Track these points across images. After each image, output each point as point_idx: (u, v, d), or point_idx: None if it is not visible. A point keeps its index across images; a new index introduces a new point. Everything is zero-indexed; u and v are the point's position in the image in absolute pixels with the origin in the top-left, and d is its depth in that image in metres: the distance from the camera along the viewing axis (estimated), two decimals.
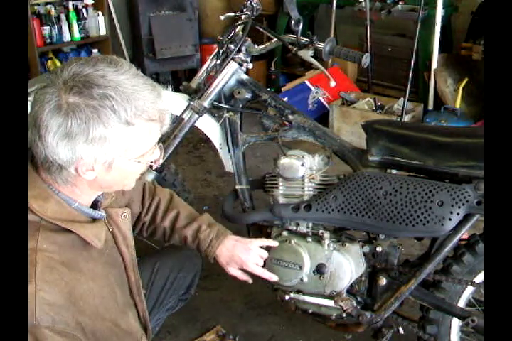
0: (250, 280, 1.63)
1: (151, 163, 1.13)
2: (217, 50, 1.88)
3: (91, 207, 1.19)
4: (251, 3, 1.90)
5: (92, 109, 0.96)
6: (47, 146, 0.99)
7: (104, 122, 0.97)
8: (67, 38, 4.31)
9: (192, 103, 1.83)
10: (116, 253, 1.27)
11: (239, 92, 1.85)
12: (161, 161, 1.20)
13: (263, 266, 1.67)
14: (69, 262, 1.08)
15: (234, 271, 1.59)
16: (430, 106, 3.85)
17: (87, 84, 0.97)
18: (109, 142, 1.00)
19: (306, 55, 1.77)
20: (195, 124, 1.88)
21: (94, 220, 1.17)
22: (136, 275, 1.36)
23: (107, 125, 0.98)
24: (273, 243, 1.67)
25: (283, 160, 1.71)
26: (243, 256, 1.56)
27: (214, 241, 1.56)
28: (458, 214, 1.49)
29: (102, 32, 4.48)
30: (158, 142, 1.12)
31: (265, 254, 1.62)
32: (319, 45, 1.74)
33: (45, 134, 0.98)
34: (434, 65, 3.76)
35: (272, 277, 1.63)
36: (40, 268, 1.01)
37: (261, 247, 1.62)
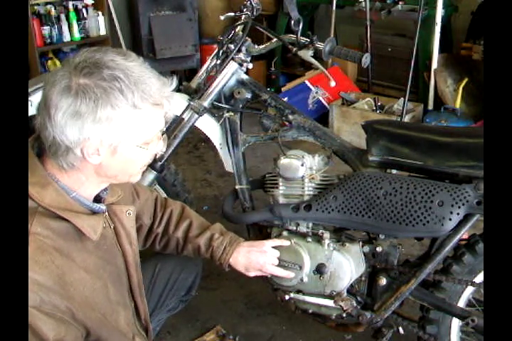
0: (269, 275, 1.67)
1: (156, 152, 1.15)
2: (217, 50, 1.88)
3: (94, 201, 1.19)
4: (251, 3, 1.90)
5: (102, 90, 1.00)
6: (55, 126, 1.02)
7: (112, 103, 1.01)
8: (67, 38, 4.31)
9: (192, 103, 1.83)
10: (117, 251, 1.27)
11: (239, 92, 1.85)
12: (164, 150, 1.20)
13: None
14: (61, 249, 1.08)
15: (254, 273, 1.62)
16: (430, 106, 3.85)
17: (97, 65, 1.01)
18: (115, 123, 1.02)
19: (306, 55, 1.77)
20: (195, 124, 1.88)
21: (93, 213, 1.17)
22: (139, 275, 1.35)
23: (114, 106, 1.01)
24: (285, 243, 1.67)
25: (283, 160, 1.71)
26: (261, 260, 1.59)
27: (228, 248, 1.56)
28: (458, 214, 1.49)
29: (102, 32, 4.48)
30: (162, 134, 1.15)
31: (278, 254, 1.64)
32: (319, 45, 1.74)
33: (54, 114, 1.01)
34: (434, 65, 3.76)
35: (290, 274, 1.65)
36: (31, 249, 1.02)
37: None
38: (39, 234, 1.05)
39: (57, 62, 4.31)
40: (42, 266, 1.03)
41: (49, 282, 1.03)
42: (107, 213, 1.23)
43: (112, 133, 1.03)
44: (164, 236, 1.60)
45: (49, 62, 4.32)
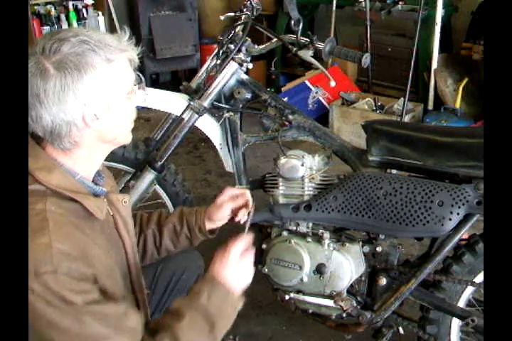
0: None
1: (138, 96, 1.21)
2: (217, 50, 1.88)
3: None
4: (251, 3, 1.90)
5: (77, 56, 1.06)
6: (51, 108, 1.06)
7: (91, 63, 1.07)
8: None
9: (192, 103, 1.83)
10: (117, 237, 1.28)
11: (239, 92, 1.85)
12: (145, 97, 1.26)
13: (263, 265, 1.68)
14: (77, 225, 1.11)
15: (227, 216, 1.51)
16: (430, 106, 3.85)
17: (61, 39, 1.07)
18: (101, 81, 1.09)
19: (306, 55, 1.77)
20: (195, 124, 1.88)
21: (95, 196, 1.20)
22: (138, 267, 1.34)
23: (94, 65, 1.08)
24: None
25: (283, 160, 1.71)
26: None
27: (199, 210, 1.52)
28: (458, 214, 1.49)
29: None
30: (136, 84, 1.21)
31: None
32: (319, 45, 1.74)
33: (45, 97, 1.06)
34: (434, 65, 3.76)
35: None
36: (51, 223, 1.05)
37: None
38: (54, 211, 1.08)
39: None
40: (65, 238, 1.06)
41: (74, 252, 1.06)
42: (105, 199, 1.24)
43: (102, 91, 1.10)
44: (141, 234, 1.54)
45: None
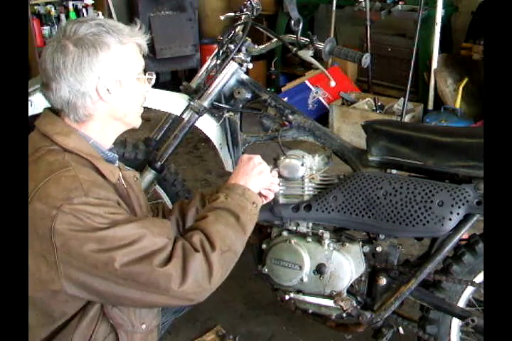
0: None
1: (149, 78, 1.32)
2: (217, 50, 1.88)
3: None
4: (251, 3, 1.90)
5: (94, 35, 1.18)
6: (69, 79, 1.17)
7: (106, 43, 1.18)
8: None
9: (192, 103, 1.83)
10: (131, 210, 1.31)
11: (239, 92, 1.85)
12: (154, 79, 1.33)
13: (263, 265, 1.69)
14: (98, 177, 1.21)
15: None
16: (430, 106, 3.85)
17: (80, 22, 1.19)
18: (115, 58, 1.20)
19: (306, 55, 1.77)
20: (195, 124, 1.88)
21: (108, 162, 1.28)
22: None
23: (109, 44, 1.19)
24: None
25: (283, 160, 1.71)
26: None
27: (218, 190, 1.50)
28: (458, 214, 1.49)
29: None
30: (145, 74, 1.30)
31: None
32: (319, 45, 1.74)
33: (64, 68, 1.16)
34: (434, 65, 3.76)
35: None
36: (73, 164, 1.16)
37: None
38: (74, 166, 1.16)
39: None
40: (87, 171, 1.16)
41: (99, 180, 1.18)
42: (118, 166, 1.32)
43: (115, 67, 1.20)
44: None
45: None
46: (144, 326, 1.29)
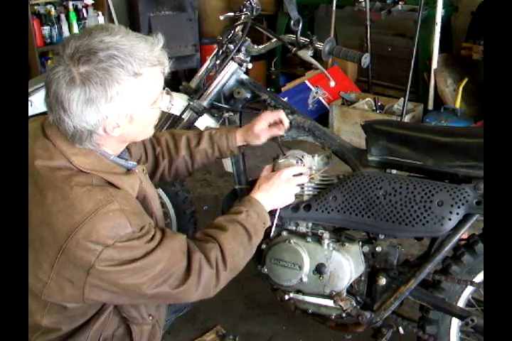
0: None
1: (164, 106, 1.26)
2: (216, 50, 1.88)
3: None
4: (251, 3, 1.90)
5: (103, 71, 1.07)
6: (73, 117, 1.09)
7: (116, 79, 1.08)
8: None
9: (191, 103, 1.83)
10: (149, 203, 1.34)
11: (238, 92, 1.85)
12: (172, 103, 1.28)
13: (263, 265, 1.68)
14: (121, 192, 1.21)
15: (268, 135, 1.68)
16: (430, 106, 3.85)
17: (91, 51, 1.07)
18: (125, 96, 1.11)
19: (306, 55, 1.77)
20: (195, 124, 1.88)
21: (127, 171, 1.26)
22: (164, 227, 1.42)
23: (120, 81, 1.09)
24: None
25: (282, 160, 1.71)
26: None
27: (228, 135, 1.63)
28: (457, 214, 1.49)
29: None
30: (164, 88, 1.23)
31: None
32: (319, 45, 1.74)
33: (69, 106, 1.08)
34: (434, 65, 3.76)
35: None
36: (111, 190, 1.15)
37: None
38: (113, 194, 1.15)
39: None
40: (126, 199, 1.17)
41: (137, 208, 1.21)
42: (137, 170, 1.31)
43: (125, 105, 1.12)
44: (172, 163, 1.62)
45: (49, 62, 4.29)
46: (150, 317, 1.37)
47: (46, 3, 4.19)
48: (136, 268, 1.14)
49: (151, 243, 1.18)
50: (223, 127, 1.67)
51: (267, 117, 1.67)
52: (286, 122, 1.69)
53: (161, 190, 2.10)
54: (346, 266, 1.65)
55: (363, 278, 1.69)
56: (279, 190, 1.52)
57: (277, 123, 1.69)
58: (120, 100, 1.10)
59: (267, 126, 1.67)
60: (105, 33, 1.10)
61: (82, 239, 1.08)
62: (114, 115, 1.12)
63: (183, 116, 1.86)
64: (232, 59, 1.83)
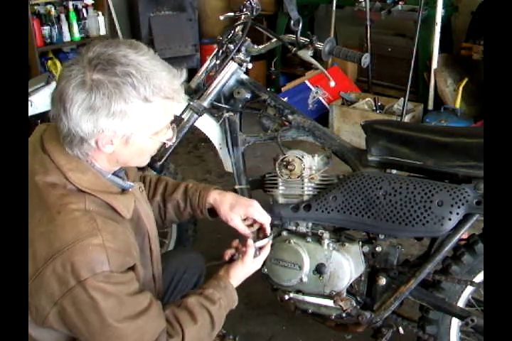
0: (249, 231, 1.49)
1: (165, 141, 1.20)
2: (216, 50, 1.88)
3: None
4: (251, 3, 1.90)
5: (115, 85, 1.04)
6: (71, 119, 1.06)
7: (125, 98, 1.05)
8: (67, 37, 4.30)
9: (191, 103, 1.83)
10: (142, 223, 1.31)
11: (238, 92, 1.85)
12: (174, 140, 1.24)
13: (263, 265, 1.67)
14: (114, 219, 1.16)
15: (237, 216, 1.47)
16: (430, 106, 3.85)
17: (111, 62, 1.05)
18: (128, 117, 1.07)
19: (306, 55, 1.77)
20: (195, 124, 1.88)
21: (123, 191, 1.22)
22: (158, 248, 1.39)
23: (127, 100, 1.05)
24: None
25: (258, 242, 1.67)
26: (250, 202, 1.49)
27: (202, 192, 1.50)
28: (457, 214, 1.49)
29: (102, 32, 4.47)
30: (172, 123, 1.20)
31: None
32: (319, 45, 1.74)
33: (69, 107, 1.05)
34: (434, 65, 3.76)
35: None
36: (99, 222, 1.09)
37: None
38: (95, 211, 1.12)
39: (58, 62, 4.30)
40: (113, 235, 1.11)
41: (122, 247, 1.12)
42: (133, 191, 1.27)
43: (124, 126, 1.08)
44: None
45: (49, 62, 4.31)
46: None
47: (46, 3, 4.19)
48: (100, 321, 1.08)
49: (127, 299, 1.11)
50: (203, 184, 1.56)
51: (253, 213, 1.48)
52: (268, 230, 1.50)
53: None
54: (346, 266, 1.65)
55: (363, 278, 1.69)
56: (251, 271, 1.47)
57: (255, 223, 1.50)
58: (121, 119, 1.07)
59: (242, 218, 1.49)
60: (133, 50, 1.09)
61: (58, 267, 1.05)
62: (110, 131, 1.08)
63: (183, 116, 1.86)
64: (232, 59, 1.82)
